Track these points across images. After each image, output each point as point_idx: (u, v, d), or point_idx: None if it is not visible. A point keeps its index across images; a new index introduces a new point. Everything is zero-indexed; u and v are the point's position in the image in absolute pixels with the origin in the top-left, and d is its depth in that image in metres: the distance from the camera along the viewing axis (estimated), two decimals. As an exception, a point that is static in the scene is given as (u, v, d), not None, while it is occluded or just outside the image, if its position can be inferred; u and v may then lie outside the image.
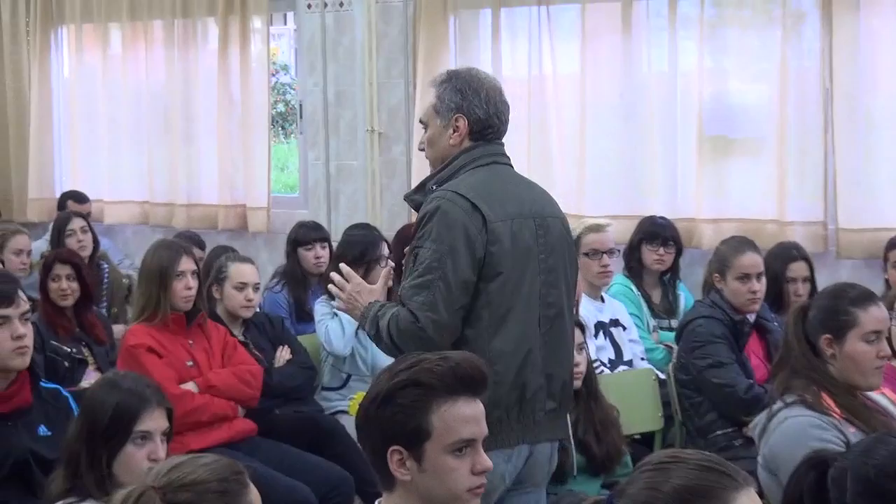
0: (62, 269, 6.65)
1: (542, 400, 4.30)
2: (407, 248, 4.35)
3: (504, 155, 4.48)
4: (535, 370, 4.29)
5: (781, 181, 7.52)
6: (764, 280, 6.15)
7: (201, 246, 8.14)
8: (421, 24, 8.48)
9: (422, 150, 4.52)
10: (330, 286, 4.58)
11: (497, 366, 4.13)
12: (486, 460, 2.98)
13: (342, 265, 4.58)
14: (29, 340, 4.51)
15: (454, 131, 4.37)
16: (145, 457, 3.72)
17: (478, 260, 4.21)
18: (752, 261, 6.12)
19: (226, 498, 2.57)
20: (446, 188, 4.28)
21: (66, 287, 6.63)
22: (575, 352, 5.00)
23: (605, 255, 6.71)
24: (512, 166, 4.53)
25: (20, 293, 4.56)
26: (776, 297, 6.47)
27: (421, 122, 4.52)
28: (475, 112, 4.35)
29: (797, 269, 6.58)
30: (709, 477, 2.32)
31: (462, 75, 4.43)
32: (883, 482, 2.94)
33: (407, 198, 4.56)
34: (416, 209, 4.41)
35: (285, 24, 14.09)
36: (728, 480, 2.33)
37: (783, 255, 6.61)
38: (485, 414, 3.02)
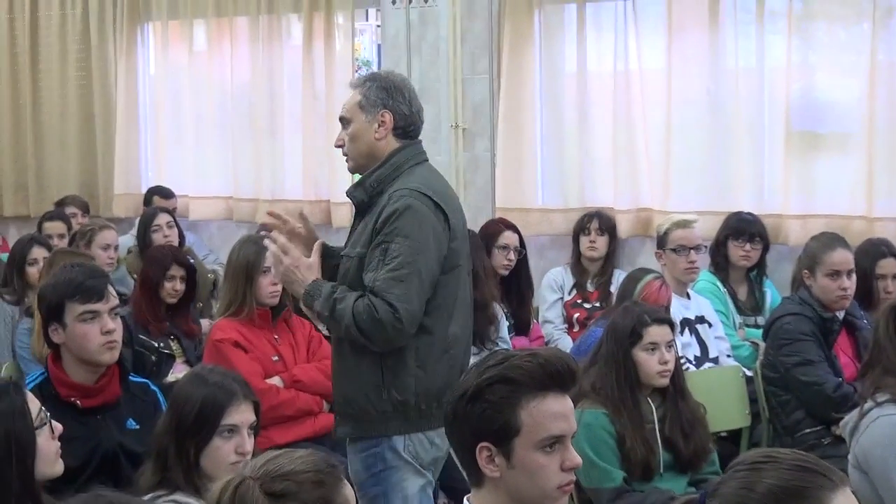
0: (178, 271, 6.72)
1: None
2: (364, 246, 4.47)
3: (425, 153, 4.72)
4: (469, 351, 4.70)
5: (870, 177, 7.42)
6: (854, 277, 6.06)
7: (286, 241, 8.15)
8: (506, 18, 8.46)
9: (339, 146, 4.68)
10: (269, 248, 4.67)
11: (453, 349, 4.51)
12: (575, 457, 2.96)
13: (276, 236, 4.66)
14: (118, 335, 4.55)
15: (380, 125, 4.56)
16: (233, 450, 3.74)
17: (442, 255, 4.46)
18: (843, 257, 6.05)
19: (322, 489, 2.58)
20: (407, 186, 4.47)
21: (179, 288, 6.69)
22: (664, 349, 5.01)
23: (692, 252, 6.69)
24: (429, 162, 4.77)
25: (110, 288, 4.60)
26: (865, 294, 6.38)
27: (342, 119, 4.67)
28: (400, 108, 4.58)
29: (886, 265, 6.48)
30: (804, 477, 2.29)
31: (383, 76, 4.69)
32: None
33: (349, 193, 4.69)
34: (357, 206, 4.62)
35: (367, 20, 14.13)
36: (824, 480, 2.29)
37: (872, 252, 6.52)
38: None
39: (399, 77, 4.70)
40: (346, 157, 4.68)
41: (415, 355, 4.41)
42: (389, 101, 4.56)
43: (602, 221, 7.74)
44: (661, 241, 6.87)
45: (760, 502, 2.27)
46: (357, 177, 4.78)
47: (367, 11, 10.14)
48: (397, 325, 4.32)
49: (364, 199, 4.56)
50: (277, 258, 4.57)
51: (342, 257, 4.63)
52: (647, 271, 6.31)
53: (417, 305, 4.37)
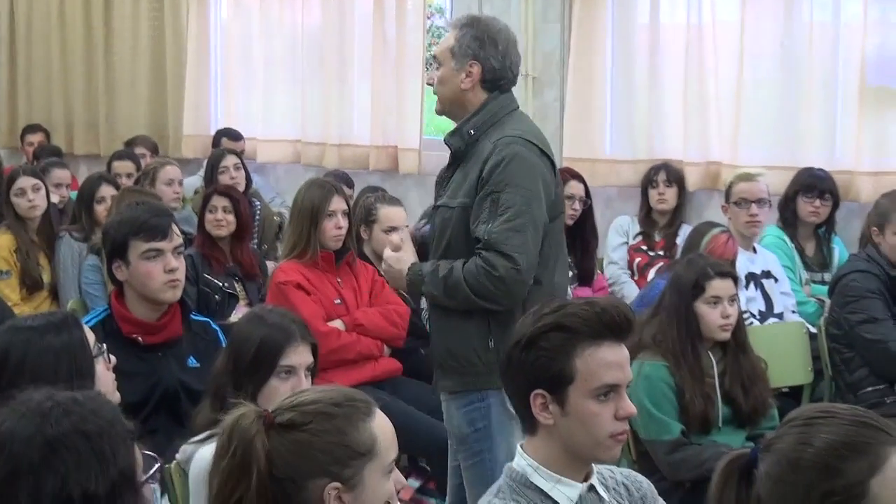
0: (219, 201, 6.78)
1: None
2: (467, 196, 4.42)
3: (517, 102, 4.68)
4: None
5: (944, 135, 7.31)
6: (925, 236, 5.99)
7: (351, 185, 8.19)
8: (579, -33, 8.39)
9: (430, 84, 4.69)
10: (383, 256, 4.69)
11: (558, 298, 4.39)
12: (629, 406, 2.95)
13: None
14: (181, 274, 4.59)
15: (466, 76, 4.51)
16: (289, 390, 3.73)
17: (551, 203, 4.43)
18: (915, 216, 5.97)
19: (334, 421, 2.57)
20: (511, 134, 4.42)
21: (221, 218, 6.75)
22: (727, 303, 4.98)
23: (753, 205, 6.64)
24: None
25: (174, 227, 4.63)
26: (934, 252, 6.30)
27: (434, 58, 4.65)
28: (490, 62, 4.51)
29: (957, 225, 6.38)
30: (863, 432, 2.27)
31: (483, 23, 4.59)
32: None
33: (446, 140, 4.65)
34: (455, 152, 4.57)
35: (441, -34, 14.06)
36: (884, 436, 2.28)
37: (944, 211, 6.42)
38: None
39: (496, 27, 4.59)
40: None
41: (522, 306, 4.24)
42: (481, 52, 4.50)
43: (669, 173, 7.67)
44: (727, 195, 6.83)
45: (818, 457, 2.25)
46: (445, 124, 4.76)
47: (441, -42, 10.08)
48: (517, 276, 4.27)
49: (461, 147, 4.52)
50: (385, 259, 4.63)
51: (438, 208, 4.60)
52: (713, 225, 6.27)
53: (534, 255, 4.34)
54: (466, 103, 4.54)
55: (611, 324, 2.93)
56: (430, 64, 4.65)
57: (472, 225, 4.37)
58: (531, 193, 4.33)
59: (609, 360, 2.92)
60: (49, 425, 2.24)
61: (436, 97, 4.65)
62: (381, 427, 2.63)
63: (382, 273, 4.75)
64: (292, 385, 3.73)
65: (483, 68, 4.49)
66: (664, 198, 7.62)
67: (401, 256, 4.56)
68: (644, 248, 7.58)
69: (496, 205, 4.31)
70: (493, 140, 4.41)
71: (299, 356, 3.80)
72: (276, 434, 2.57)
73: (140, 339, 4.49)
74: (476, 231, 4.34)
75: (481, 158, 4.40)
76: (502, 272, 4.25)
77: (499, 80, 4.53)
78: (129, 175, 8.42)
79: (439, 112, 4.71)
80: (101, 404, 2.35)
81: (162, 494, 3.80)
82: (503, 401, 4.25)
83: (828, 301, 6.38)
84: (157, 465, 2.59)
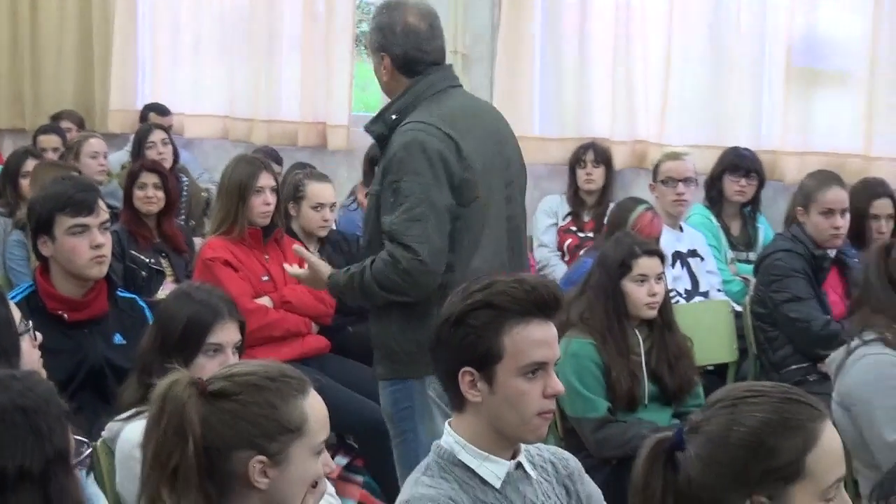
0: (149, 178, 6.70)
1: None
2: (379, 183, 4.40)
3: (455, 77, 4.64)
4: None
5: (869, 116, 7.39)
6: (848, 216, 6.05)
7: (279, 162, 8.15)
8: (508, -57, 8.39)
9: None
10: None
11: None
12: (557, 384, 2.96)
13: (297, 248, 4.97)
14: (107, 250, 4.54)
15: (383, 68, 4.52)
16: (216, 368, 3.71)
17: (456, 187, 4.33)
18: (838, 196, 6.03)
19: (266, 394, 2.56)
20: (415, 119, 4.37)
21: (151, 195, 6.67)
22: (653, 281, 5.01)
23: (680, 184, 6.69)
24: (462, 87, 4.71)
25: (100, 202, 4.58)
26: (858, 233, 6.34)
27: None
28: (393, 49, 4.48)
29: (881, 206, 6.44)
30: (794, 408, 2.30)
31: (383, 10, 4.57)
32: None
33: (367, 128, 4.60)
34: (377, 139, 4.54)
35: (372, -59, 14.01)
36: (814, 412, 2.31)
37: (868, 192, 6.48)
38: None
39: (387, 12, 4.53)
40: None
41: (438, 293, 4.18)
42: (384, 41, 4.49)
43: (597, 153, 7.66)
44: (654, 173, 6.87)
45: (752, 435, 2.27)
46: None
47: (372, -70, 10.04)
48: (421, 267, 4.23)
49: (384, 133, 4.46)
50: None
51: (366, 196, 4.66)
52: (638, 201, 6.32)
53: (439, 242, 4.27)
54: (394, 92, 4.52)
55: (539, 302, 2.93)
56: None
57: (381, 214, 4.37)
58: (428, 179, 4.26)
59: (537, 337, 2.92)
60: None
61: None
62: (314, 406, 2.62)
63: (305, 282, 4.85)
64: (220, 362, 3.69)
65: (390, 57, 4.48)
66: (592, 178, 7.62)
67: (313, 274, 4.63)
68: (573, 228, 7.61)
69: (396, 194, 4.28)
70: (401, 125, 4.39)
71: (227, 334, 3.77)
72: (207, 402, 2.56)
73: (65, 315, 4.44)
74: (382, 222, 4.33)
75: (389, 145, 4.40)
76: (405, 264, 4.22)
77: (410, 64, 4.47)
78: (54, 149, 8.34)
79: None
80: (36, 381, 2.35)
81: (88, 472, 3.77)
82: (424, 387, 4.34)
83: (753, 280, 6.43)
84: (87, 451, 2.58)
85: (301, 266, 4.78)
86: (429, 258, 4.22)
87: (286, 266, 4.95)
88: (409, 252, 4.22)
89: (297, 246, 4.81)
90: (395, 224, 4.25)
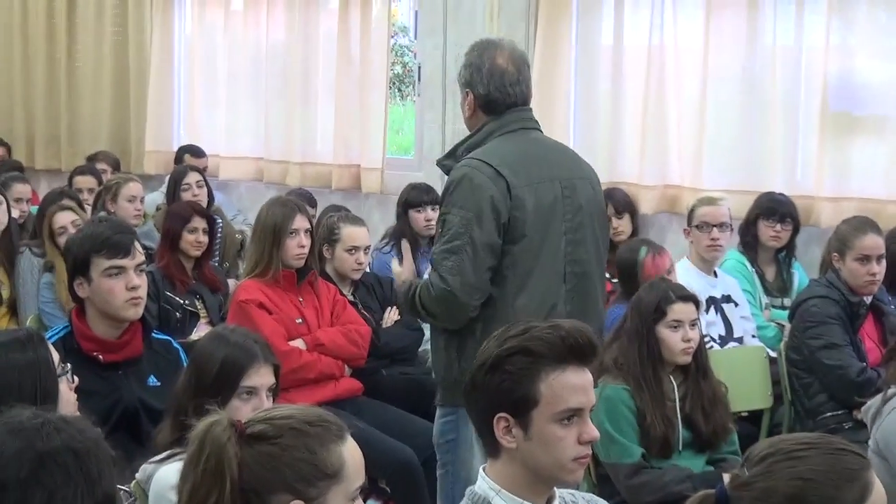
0: (199, 223, 6.76)
1: None
2: (439, 212, 4.65)
3: (532, 120, 4.76)
4: None
5: (905, 161, 7.36)
6: (884, 262, 6.02)
7: (313, 204, 8.18)
8: (543, -11, 8.42)
9: None
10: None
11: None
12: (593, 430, 2.95)
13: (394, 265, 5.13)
14: (143, 292, 4.55)
15: (467, 105, 4.72)
16: (250, 411, 3.71)
17: (502, 224, 4.47)
18: (874, 242, 6.01)
19: (304, 439, 2.55)
20: (472, 156, 4.54)
21: (203, 240, 6.73)
22: (688, 327, 4.99)
23: (715, 229, 6.67)
24: (541, 130, 4.82)
25: (136, 244, 4.60)
26: (894, 279, 6.33)
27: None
28: (478, 89, 4.66)
29: (917, 251, 6.43)
30: (847, 460, 2.31)
31: (475, 50, 4.74)
32: None
33: (439, 163, 4.84)
34: (447, 174, 4.68)
35: (406, -15, 14.08)
36: (861, 460, 2.32)
37: (904, 238, 6.46)
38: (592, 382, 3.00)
39: (486, 49, 4.72)
40: None
41: (481, 326, 4.44)
42: (471, 79, 4.68)
43: (616, 203, 7.62)
44: (689, 218, 6.86)
45: (812, 489, 2.25)
46: None
47: (406, -23, 10.10)
48: (450, 297, 4.43)
49: (451, 167, 4.65)
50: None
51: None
52: (642, 242, 6.34)
53: (473, 275, 4.43)
54: (473, 128, 4.73)
55: (575, 348, 2.93)
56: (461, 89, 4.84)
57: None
58: (471, 215, 4.43)
59: (573, 384, 2.92)
60: (40, 440, 2.25)
61: None
62: (351, 452, 2.62)
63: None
64: (254, 406, 3.70)
65: (474, 95, 4.66)
66: (618, 230, 7.59)
67: (403, 278, 4.86)
68: (608, 275, 7.57)
69: (443, 226, 4.50)
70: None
71: (261, 377, 3.78)
72: (246, 444, 2.56)
73: (100, 356, 4.45)
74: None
75: None
76: (436, 292, 4.46)
77: (492, 104, 4.65)
78: (90, 190, 8.39)
79: None
80: (86, 426, 2.36)
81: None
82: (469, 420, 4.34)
83: (788, 326, 6.40)
84: (131, 500, 2.59)
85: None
86: (459, 290, 4.42)
87: (394, 263, 5.15)
88: (442, 282, 4.43)
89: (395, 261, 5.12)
90: (437, 253, 4.49)
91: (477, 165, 4.49)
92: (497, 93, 4.63)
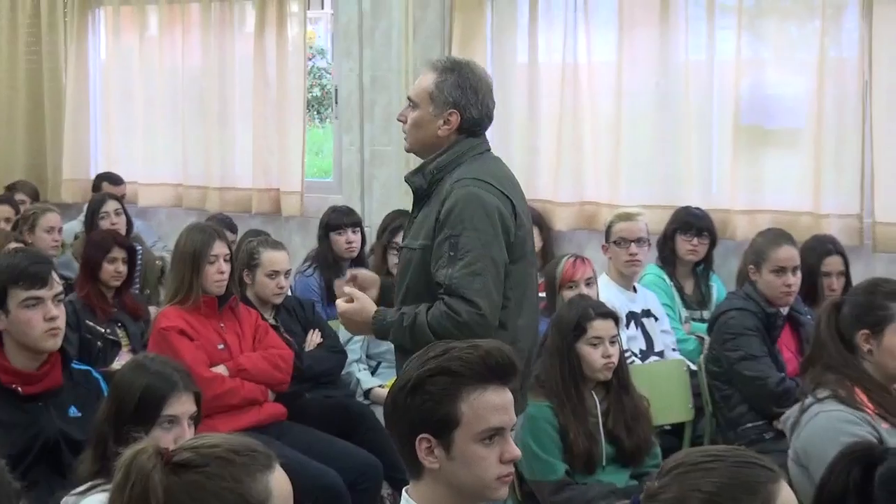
0: (119, 253, 6.71)
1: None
2: (428, 238, 4.39)
3: (488, 142, 4.66)
4: (536, 340, 4.68)
5: (817, 173, 7.45)
6: (799, 273, 6.11)
7: (233, 230, 8.16)
8: (457, 10, 8.46)
9: (400, 121, 4.59)
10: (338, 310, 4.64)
11: (520, 343, 4.35)
12: (514, 449, 2.97)
13: (347, 287, 4.63)
14: (61, 322, 4.51)
15: (444, 123, 4.47)
16: (172, 441, 3.70)
17: (510, 244, 4.37)
18: (789, 254, 6.09)
19: (231, 468, 2.53)
20: (469, 176, 4.39)
21: (122, 270, 6.69)
22: (608, 343, 5.03)
23: (633, 244, 6.71)
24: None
25: (54, 275, 4.56)
26: (810, 290, 6.42)
27: (409, 99, 4.57)
28: (470, 111, 4.48)
29: (832, 263, 6.52)
30: (750, 471, 2.32)
31: (465, 70, 4.52)
32: None
33: (407, 179, 4.62)
34: (415, 191, 4.55)
35: (322, 7, 14.09)
36: (767, 472, 2.33)
37: (819, 249, 6.55)
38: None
39: (477, 73, 4.54)
40: (404, 134, 4.61)
41: None
42: (462, 100, 4.46)
43: None
44: (607, 234, 6.90)
45: (711, 501, 2.28)
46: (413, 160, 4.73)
47: (322, 0, 10.11)
48: (482, 321, 4.23)
49: (423, 186, 4.49)
50: (341, 313, 4.56)
51: (401, 249, 4.62)
52: (567, 255, 6.40)
53: (497, 297, 4.31)
54: (438, 145, 4.52)
55: (495, 367, 2.94)
56: (408, 103, 4.58)
57: (432, 268, 4.35)
58: (489, 235, 4.31)
59: (494, 403, 2.93)
60: None
61: (405, 134, 4.60)
62: (279, 483, 2.60)
63: (342, 324, 4.70)
64: (176, 435, 3.69)
65: (461, 117, 4.47)
66: None
67: (360, 307, 4.51)
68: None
69: (455, 248, 4.29)
70: (452, 181, 4.40)
71: (182, 405, 3.76)
72: (172, 472, 2.54)
73: (20, 389, 4.40)
74: (437, 276, 4.32)
75: (440, 199, 4.39)
76: (466, 317, 4.23)
77: (476, 127, 4.52)
78: (7, 220, 8.32)
79: (408, 150, 4.68)
80: None
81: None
82: None
83: (707, 338, 6.46)
84: None
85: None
86: (488, 312, 4.26)
87: (338, 302, 4.63)
88: (471, 306, 4.23)
89: (347, 287, 4.61)
90: (456, 278, 4.26)
91: (482, 186, 4.36)
92: (486, 117, 4.54)
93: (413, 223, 4.56)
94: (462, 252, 4.27)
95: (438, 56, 8.44)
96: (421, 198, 4.53)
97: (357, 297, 4.54)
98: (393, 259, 6.88)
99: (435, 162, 4.48)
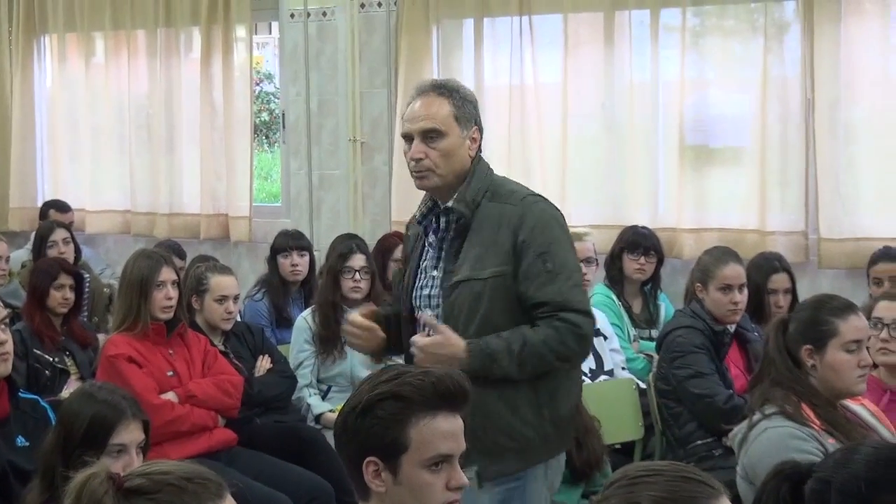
0: (66, 280, 6.69)
1: None
2: (527, 258, 4.16)
3: None
4: None
5: (762, 191, 7.54)
6: (746, 291, 6.15)
7: (182, 255, 8.13)
8: (403, 33, 8.49)
9: (418, 160, 4.22)
10: (416, 346, 4.17)
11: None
12: (461, 477, 2.95)
13: (427, 317, 4.26)
14: (9, 346, 4.49)
15: (471, 143, 4.26)
16: (121, 469, 3.68)
17: None
18: (735, 272, 6.13)
19: (182, 495, 2.52)
20: (527, 193, 4.29)
21: (70, 297, 6.66)
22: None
23: (581, 264, 6.71)
24: None
25: (-1, 301, 4.55)
26: (757, 307, 6.47)
27: (432, 130, 4.20)
28: (481, 125, 4.33)
29: (779, 280, 6.58)
30: (688, 487, 2.33)
31: (460, 86, 4.35)
32: (874, 495, 2.70)
33: (454, 209, 4.24)
34: (458, 219, 4.23)
35: (270, 32, 14.06)
36: (706, 489, 2.34)
37: (765, 267, 6.61)
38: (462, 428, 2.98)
39: (464, 87, 4.37)
40: (421, 174, 4.23)
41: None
42: (476, 115, 4.28)
43: None
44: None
45: None
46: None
47: (270, 25, 10.13)
48: (592, 331, 4.27)
49: (469, 215, 4.20)
50: (421, 346, 4.14)
51: (455, 284, 4.20)
52: None
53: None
54: (459, 168, 4.25)
55: (446, 394, 2.94)
56: (430, 136, 4.21)
57: (523, 290, 4.15)
58: (569, 244, 4.28)
59: (443, 430, 2.92)
60: None
61: (426, 171, 4.22)
62: None
63: (416, 360, 4.11)
64: (124, 463, 3.68)
65: (481, 132, 4.31)
66: None
67: (443, 339, 4.12)
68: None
69: (552, 264, 4.15)
70: (504, 202, 4.21)
71: (130, 433, 3.75)
72: (124, 498, 2.53)
73: (-34, 419, 4.39)
74: (537, 296, 4.13)
75: (502, 223, 4.18)
76: (585, 329, 4.16)
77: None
78: (-47, 250, 8.25)
79: (433, 188, 4.28)
80: None
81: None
82: (538, 476, 4.23)
83: (656, 357, 6.50)
84: None
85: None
86: (593, 322, 4.28)
87: (414, 338, 4.19)
88: (587, 317, 4.18)
89: (426, 315, 4.24)
90: (565, 293, 4.13)
91: (543, 201, 4.29)
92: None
93: (461, 255, 4.24)
94: (559, 267, 4.15)
95: (385, 80, 8.49)
96: (461, 228, 4.25)
97: (437, 326, 4.16)
98: (347, 283, 6.82)
99: (471, 188, 4.22)
